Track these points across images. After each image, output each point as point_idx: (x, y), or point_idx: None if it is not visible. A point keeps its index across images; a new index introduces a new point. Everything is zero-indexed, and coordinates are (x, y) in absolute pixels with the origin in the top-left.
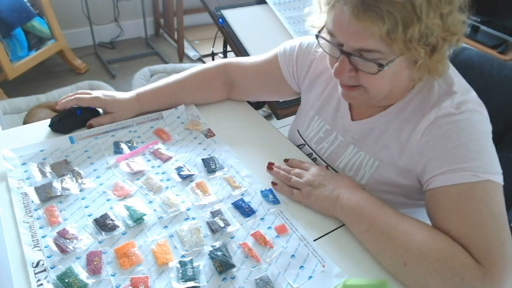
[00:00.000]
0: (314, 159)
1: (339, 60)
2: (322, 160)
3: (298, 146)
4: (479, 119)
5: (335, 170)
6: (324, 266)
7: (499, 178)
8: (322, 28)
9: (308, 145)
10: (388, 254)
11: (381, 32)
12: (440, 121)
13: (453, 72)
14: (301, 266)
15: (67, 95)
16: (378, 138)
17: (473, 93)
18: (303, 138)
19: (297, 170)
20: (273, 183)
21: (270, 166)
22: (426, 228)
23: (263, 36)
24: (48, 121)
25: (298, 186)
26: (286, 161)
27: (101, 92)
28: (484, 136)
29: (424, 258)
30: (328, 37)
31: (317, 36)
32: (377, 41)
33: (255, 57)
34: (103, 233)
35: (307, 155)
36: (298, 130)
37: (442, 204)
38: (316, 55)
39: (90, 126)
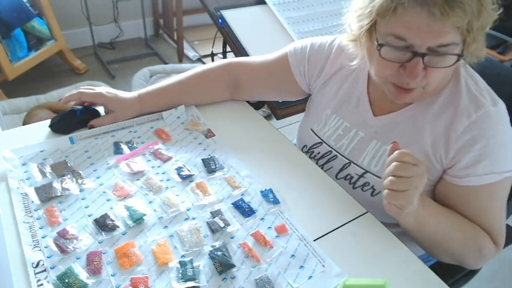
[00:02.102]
0: (334, 157)
1: (412, 63)
2: (344, 157)
3: (313, 145)
4: (507, 116)
5: (359, 167)
6: (324, 266)
7: None
8: (370, 35)
9: (326, 143)
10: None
11: (463, 24)
12: (481, 121)
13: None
14: (301, 266)
15: (71, 91)
16: (405, 132)
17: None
18: (319, 137)
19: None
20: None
21: None
22: (468, 226)
23: (263, 36)
24: (48, 121)
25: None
26: None
27: (104, 88)
28: (511, 132)
29: (469, 249)
30: (394, 43)
31: (381, 45)
32: (454, 34)
33: (262, 57)
34: (103, 233)
35: (325, 153)
36: (312, 129)
37: (473, 203)
38: (330, 54)
39: (92, 127)
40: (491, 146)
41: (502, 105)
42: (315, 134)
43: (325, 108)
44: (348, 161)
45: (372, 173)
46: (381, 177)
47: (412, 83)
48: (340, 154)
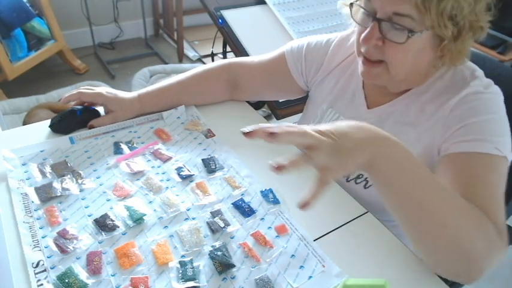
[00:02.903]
0: None
1: (369, 27)
2: None
3: None
4: (502, 101)
5: None
6: (324, 266)
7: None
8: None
9: None
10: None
11: None
12: (470, 97)
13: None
14: (301, 266)
15: (70, 91)
16: (398, 120)
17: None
18: None
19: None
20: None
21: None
22: (459, 201)
23: (263, 36)
24: (48, 121)
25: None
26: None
27: (104, 88)
28: (506, 117)
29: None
30: (362, 4)
31: (351, 5)
32: (412, 7)
33: (260, 57)
34: (103, 233)
35: None
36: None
37: (466, 170)
38: (328, 51)
39: (91, 127)
40: (483, 120)
41: (495, 88)
42: None
43: (322, 104)
44: None
45: None
46: None
47: (371, 51)
48: None
